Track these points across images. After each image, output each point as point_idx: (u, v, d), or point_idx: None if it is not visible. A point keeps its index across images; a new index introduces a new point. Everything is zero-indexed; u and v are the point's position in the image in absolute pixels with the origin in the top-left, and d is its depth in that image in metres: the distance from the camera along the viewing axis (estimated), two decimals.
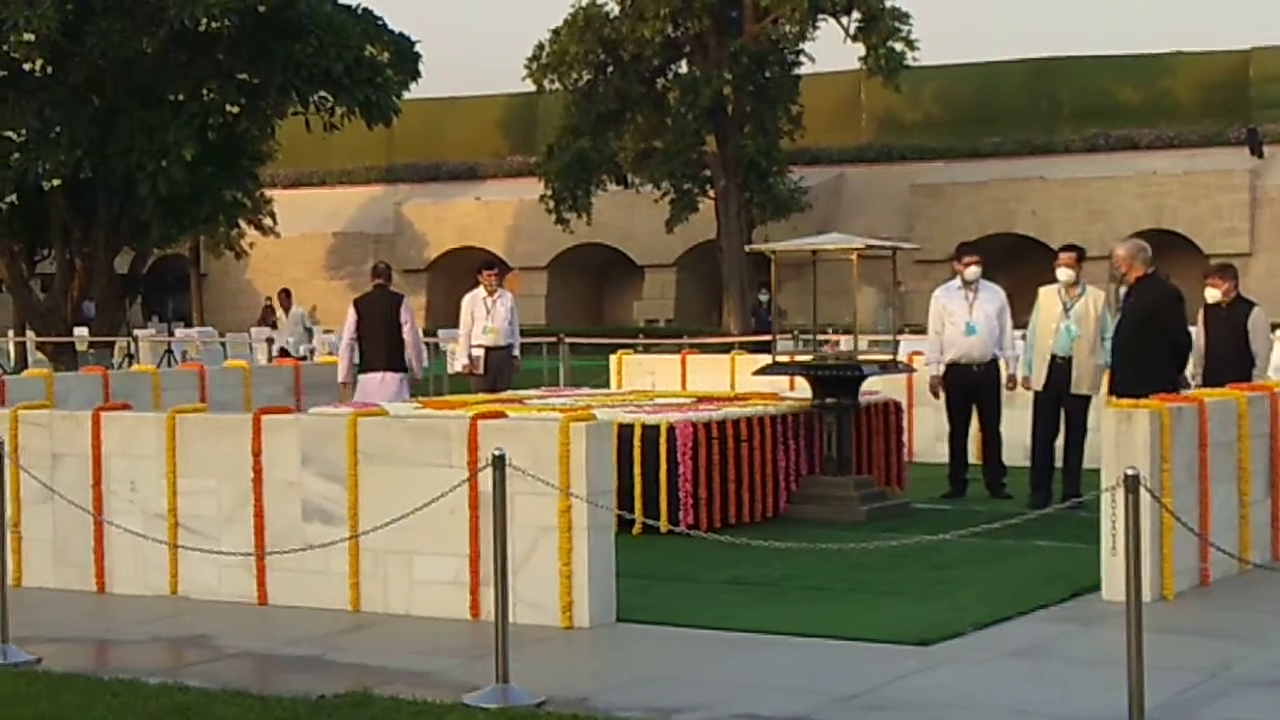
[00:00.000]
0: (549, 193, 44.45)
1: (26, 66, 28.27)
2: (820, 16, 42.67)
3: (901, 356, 14.64)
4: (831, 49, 46.22)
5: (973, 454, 14.71)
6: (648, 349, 25.56)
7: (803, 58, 44.39)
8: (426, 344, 17.84)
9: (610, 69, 44.02)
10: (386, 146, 52.01)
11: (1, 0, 28.03)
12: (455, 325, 20.66)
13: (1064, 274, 13.75)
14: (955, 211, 45.49)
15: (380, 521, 9.23)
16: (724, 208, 43.71)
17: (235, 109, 30.07)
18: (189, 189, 30.37)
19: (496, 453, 7.99)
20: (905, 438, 14.74)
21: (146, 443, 10.42)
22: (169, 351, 30.84)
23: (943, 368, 14.45)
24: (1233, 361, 12.44)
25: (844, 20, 42.30)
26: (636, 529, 11.67)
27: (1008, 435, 14.58)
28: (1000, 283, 15.01)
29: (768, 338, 16.35)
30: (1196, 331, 12.83)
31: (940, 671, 8.14)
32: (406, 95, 32.94)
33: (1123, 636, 6.90)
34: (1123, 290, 12.99)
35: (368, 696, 7.65)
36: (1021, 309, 14.75)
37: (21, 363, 32.53)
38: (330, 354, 24.74)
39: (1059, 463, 13.72)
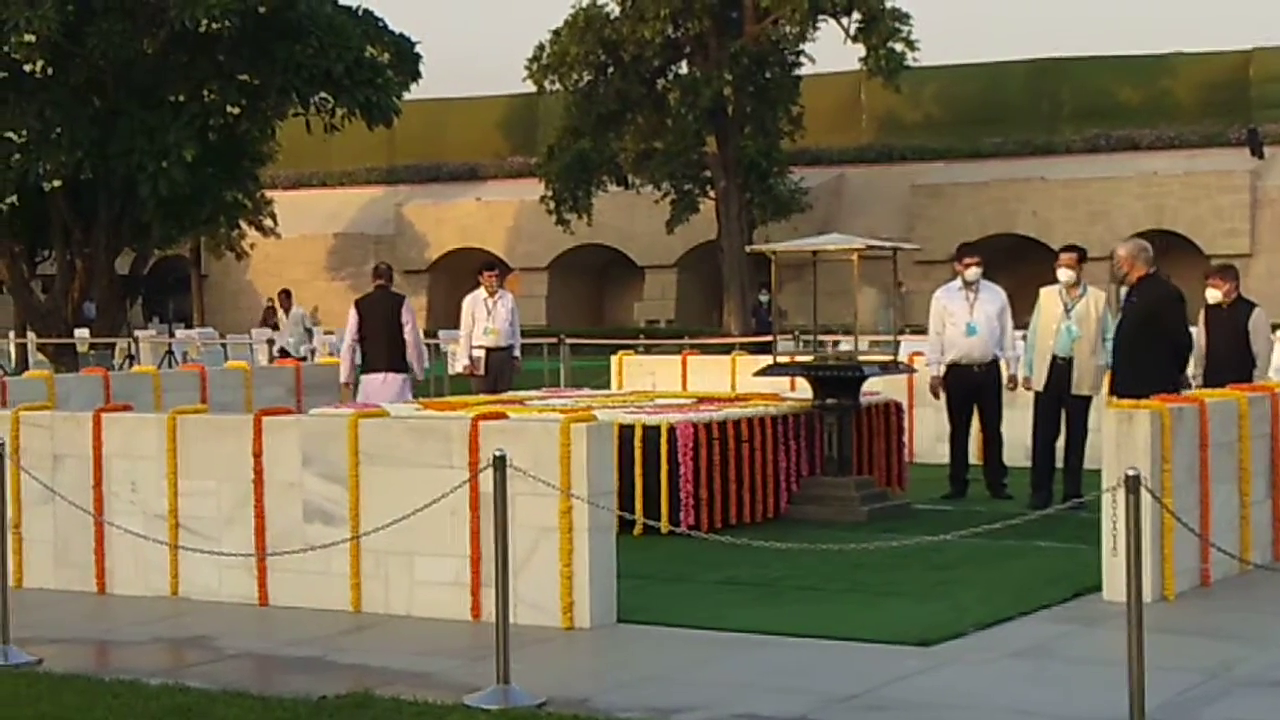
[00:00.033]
0: (549, 193, 44.47)
1: (27, 67, 28.30)
2: (820, 17, 42.70)
3: (902, 357, 14.64)
4: (832, 50, 46.23)
5: (974, 455, 14.71)
6: (648, 350, 25.57)
7: (803, 58, 44.45)
8: (427, 345, 17.82)
9: (611, 70, 44.04)
10: (387, 147, 52.04)
11: (2, 1, 28.05)
12: (456, 326, 20.66)
13: (1065, 275, 13.75)
14: (956, 212, 45.49)
15: (381, 522, 9.23)
16: (724, 208, 43.72)
17: (236, 110, 30.10)
18: (189, 190, 30.40)
19: (497, 453, 7.99)
20: (906, 438, 14.74)
21: (147, 444, 10.42)
22: (170, 352, 30.84)
23: (943, 368, 14.45)
24: (1233, 362, 12.44)
25: (844, 21, 42.33)
26: (637, 530, 11.67)
27: (1009, 436, 14.58)
28: (1001, 283, 15.01)
29: (768, 338, 16.36)
30: (1197, 332, 12.83)
31: (941, 672, 8.14)
32: (407, 96, 32.98)
33: (1124, 637, 6.90)
34: (1124, 290, 12.98)
35: (369, 697, 7.65)
36: (1022, 309, 14.75)
37: (22, 364, 32.52)
38: (331, 355, 24.77)
39: (1060, 463, 13.72)
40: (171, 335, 35.24)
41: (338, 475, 9.78)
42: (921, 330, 17.80)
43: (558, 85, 44.35)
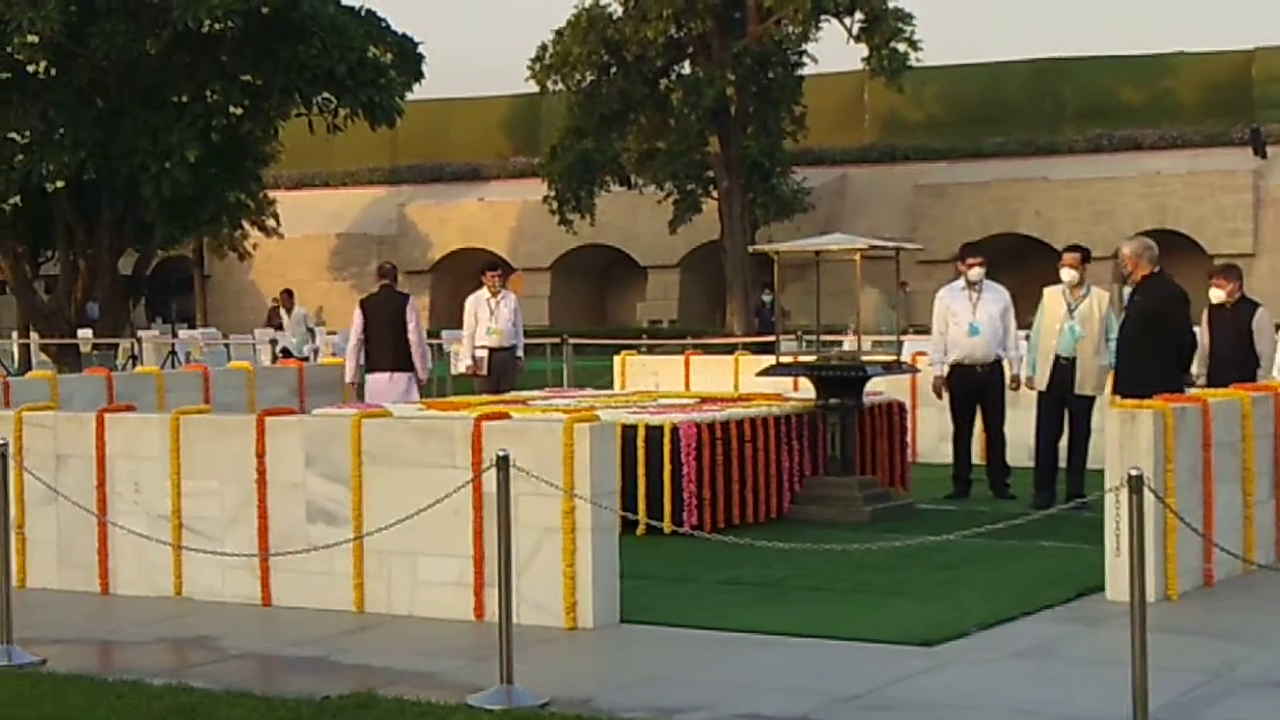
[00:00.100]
0: (552, 194, 44.47)
1: (30, 68, 28.32)
2: (823, 17, 42.67)
3: (905, 357, 14.62)
4: (834, 50, 46.14)
5: (977, 455, 14.70)
6: (651, 350, 25.61)
7: (806, 58, 44.41)
8: (430, 345, 17.82)
9: (613, 70, 44.04)
10: (390, 148, 52.06)
11: (5, 2, 28.07)
12: (459, 326, 20.67)
13: (1068, 274, 13.74)
14: (958, 212, 45.48)
15: (384, 522, 9.23)
16: (727, 208, 43.71)
17: (239, 110, 30.12)
18: (192, 190, 30.44)
19: (500, 454, 7.99)
20: (909, 438, 14.74)
21: (150, 444, 10.42)
22: (173, 353, 30.84)
23: (946, 368, 14.45)
24: (1237, 362, 12.44)
25: (847, 21, 42.31)
26: (640, 530, 11.68)
27: (1011, 436, 14.57)
28: (1004, 283, 15.00)
29: (771, 338, 16.35)
30: (1201, 332, 12.82)
31: (944, 672, 8.14)
32: (409, 96, 33.02)
33: (1127, 637, 6.90)
34: (1127, 290, 12.98)
35: (372, 697, 7.65)
36: (1025, 309, 14.75)
37: (25, 364, 32.54)
38: (334, 355, 24.78)
39: (1063, 463, 13.72)
40: (174, 335, 35.24)
41: (341, 475, 9.78)
42: (925, 330, 17.80)
43: (560, 85, 44.35)
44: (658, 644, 8.81)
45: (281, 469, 9.98)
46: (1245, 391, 10.84)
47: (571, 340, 27.44)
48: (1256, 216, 44.02)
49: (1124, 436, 9.71)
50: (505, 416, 9.78)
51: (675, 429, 12.39)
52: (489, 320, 18.17)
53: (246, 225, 45.96)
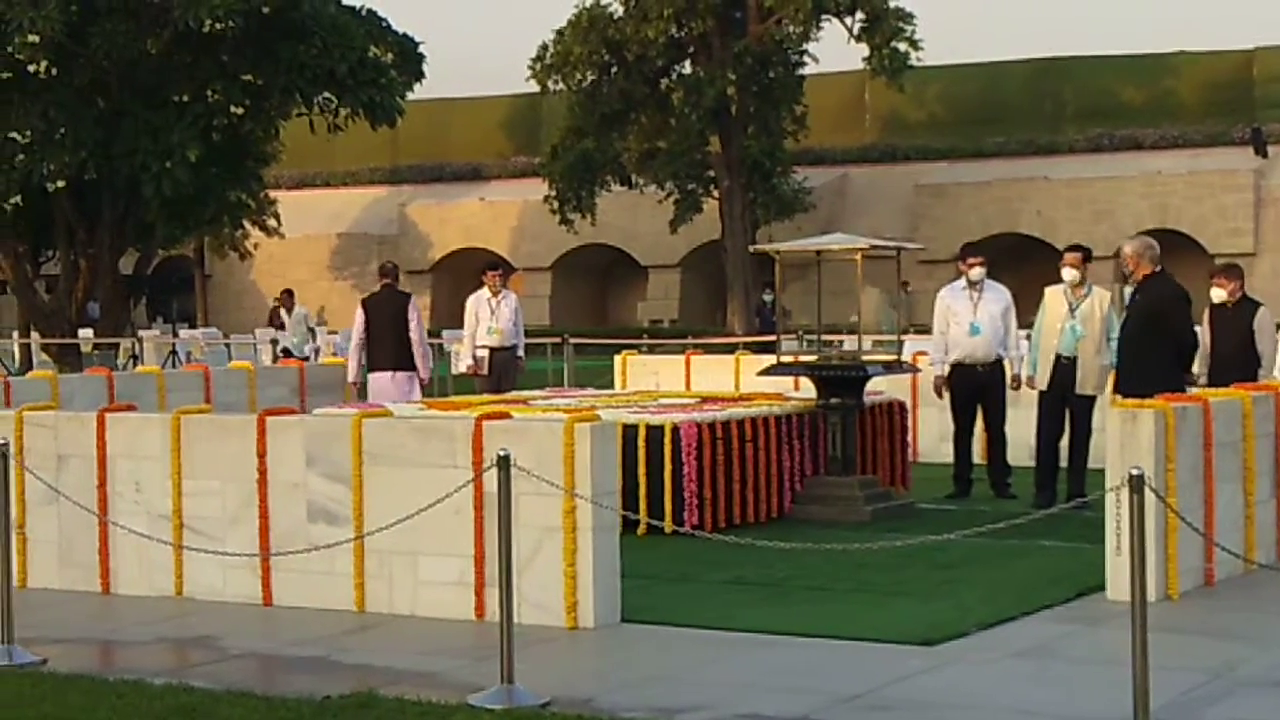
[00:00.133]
0: (553, 193, 44.47)
1: (31, 68, 28.31)
2: (824, 17, 42.66)
3: (906, 357, 14.62)
4: (835, 49, 46.15)
5: (978, 454, 14.71)
6: (652, 349, 25.61)
7: (806, 58, 44.38)
8: (431, 345, 17.83)
9: (614, 69, 44.03)
10: (390, 147, 52.06)
11: (6, 2, 28.07)
12: (460, 326, 20.68)
13: (1069, 274, 13.75)
14: (959, 212, 45.48)
15: (385, 522, 9.23)
16: (728, 208, 43.70)
17: (240, 110, 30.10)
18: (193, 190, 30.43)
19: (501, 453, 7.99)
20: (910, 438, 14.74)
21: (151, 444, 10.42)
22: (173, 352, 30.86)
23: (947, 368, 14.45)
24: (1238, 362, 12.44)
25: (848, 20, 42.29)
26: (641, 529, 11.68)
27: (1012, 435, 14.57)
28: (1005, 283, 15.01)
29: (772, 338, 16.35)
30: (1202, 331, 12.82)
31: (944, 672, 8.14)
32: (410, 96, 33.01)
33: (1127, 637, 6.90)
34: (1129, 289, 12.98)
35: (373, 697, 7.65)
36: (1026, 309, 14.75)
37: (26, 364, 32.56)
38: (335, 355, 24.79)
39: (1064, 463, 13.72)
40: (175, 335, 35.26)
41: (342, 475, 9.78)
42: (926, 330, 17.80)
43: (561, 85, 44.34)
44: (659, 644, 8.81)
45: (282, 469, 9.98)
46: (1246, 391, 10.84)
47: (572, 340, 27.45)
48: (1257, 216, 44.01)
49: (1125, 436, 9.71)
50: (506, 416, 9.79)
51: (676, 429, 12.40)
52: (490, 320, 18.18)
53: (247, 225, 45.94)
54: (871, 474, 13.71)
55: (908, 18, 41.69)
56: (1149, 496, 7.09)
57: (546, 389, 16.42)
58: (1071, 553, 11.24)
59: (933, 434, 16.44)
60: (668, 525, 11.73)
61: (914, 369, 14.77)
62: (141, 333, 35.68)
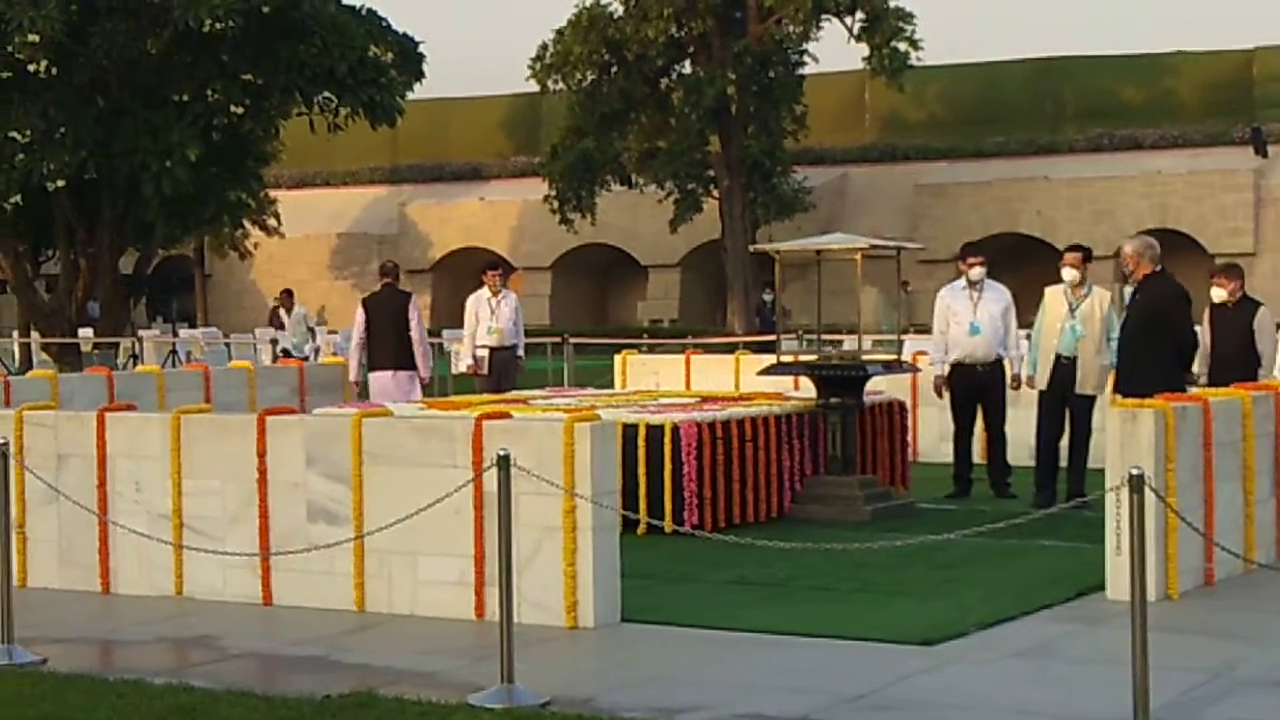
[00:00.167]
0: (553, 193, 44.47)
1: (31, 67, 28.29)
2: (824, 17, 42.66)
3: (906, 356, 14.62)
4: (835, 49, 46.12)
5: (977, 454, 14.71)
6: (652, 349, 25.61)
7: (806, 58, 44.37)
8: (431, 344, 17.83)
9: (614, 69, 44.03)
10: (390, 147, 52.06)
11: (6, 1, 28.06)
12: (460, 326, 20.68)
13: (1069, 274, 13.75)
14: (959, 211, 45.48)
15: (385, 522, 9.23)
16: (728, 208, 43.71)
17: (239, 110, 30.09)
18: (193, 189, 30.41)
19: (501, 453, 7.99)
20: (910, 437, 14.74)
21: (151, 443, 10.42)
22: (173, 352, 30.85)
23: (947, 368, 14.46)
24: (1239, 361, 12.44)
25: (848, 20, 42.29)
26: (641, 529, 11.68)
27: (1012, 435, 14.57)
28: (1005, 282, 15.01)
29: (772, 338, 16.34)
30: (1202, 331, 12.82)
31: (944, 671, 8.14)
32: (410, 96, 32.98)
33: (1127, 636, 6.90)
34: (1129, 289, 12.98)
35: (372, 697, 7.65)
36: (1026, 309, 14.74)
37: (26, 363, 32.56)
38: (335, 354, 24.78)
39: (1064, 462, 13.72)
40: (175, 335, 35.26)
41: (341, 475, 9.78)
42: (926, 330, 17.80)
43: (561, 85, 44.34)
44: (659, 643, 8.81)
45: (282, 468, 9.98)
46: (1246, 391, 10.84)
47: (572, 339, 27.45)
48: (1257, 216, 44.01)
49: (1125, 436, 9.71)
50: (506, 416, 9.79)
51: (676, 428, 12.39)
52: (490, 320, 18.18)
53: (247, 224, 45.92)
54: (871, 474, 13.71)
55: (908, 17, 41.70)
56: (1149, 496, 7.09)
57: (546, 389, 16.41)
58: (1071, 552, 11.24)
59: (933, 434, 16.44)
60: (668, 525, 11.72)
61: (914, 369, 14.77)
62: (141, 332, 35.68)
